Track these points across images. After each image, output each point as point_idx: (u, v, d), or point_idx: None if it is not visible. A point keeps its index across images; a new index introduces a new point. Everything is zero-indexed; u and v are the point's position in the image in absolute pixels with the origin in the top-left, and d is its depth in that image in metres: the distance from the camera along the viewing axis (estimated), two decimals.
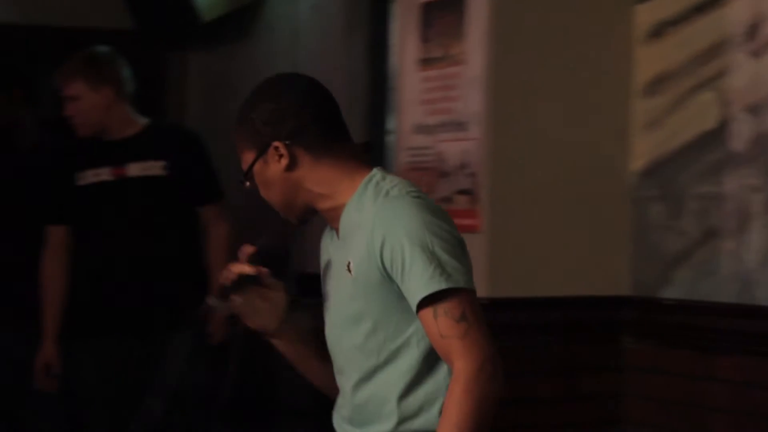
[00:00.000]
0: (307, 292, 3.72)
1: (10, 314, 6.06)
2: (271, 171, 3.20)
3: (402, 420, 3.12)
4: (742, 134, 4.58)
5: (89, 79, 5.66)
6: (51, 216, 5.80)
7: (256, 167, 3.20)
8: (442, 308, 2.97)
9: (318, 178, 3.19)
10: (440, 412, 3.06)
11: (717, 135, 4.68)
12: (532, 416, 4.85)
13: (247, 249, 3.22)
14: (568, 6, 4.90)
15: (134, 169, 5.69)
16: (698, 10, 4.74)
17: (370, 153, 4.28)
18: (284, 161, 3.17)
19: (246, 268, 3.19)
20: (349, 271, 3.15)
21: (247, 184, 3.24)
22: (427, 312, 2.99)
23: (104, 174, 5.71)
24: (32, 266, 5.77)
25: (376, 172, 3.18)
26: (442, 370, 3.14)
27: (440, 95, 4.77)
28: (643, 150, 4.97)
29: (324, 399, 6.18)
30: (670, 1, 4.86)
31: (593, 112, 4.97)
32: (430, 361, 3.14)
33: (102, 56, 5.80)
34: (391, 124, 6.07)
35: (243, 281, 3.18)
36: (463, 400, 2.93)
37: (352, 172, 3.19)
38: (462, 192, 4.83)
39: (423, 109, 5.09)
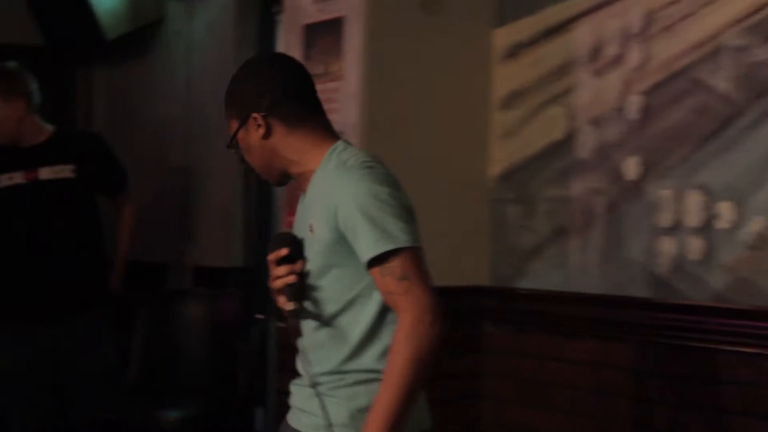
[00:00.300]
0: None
1: None
2: (251, 138, 3.31)
3: (350, 357, 3.20)
4: (586, 144, 4.62)
5: (1, 93, 5.62)
6: None
7: (240, 135, 3.32)
8: (387, 268, 3.06)
9: (290, 146, 3.29)
10: (383, 354, 3.14)
11: (565, 144, 4.71)
12: None
13: (277, 254, 3.28)
14: (433, 29, 4.87)
15: (45, 173, 5.66)
16: (548, 34, 4.78)
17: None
18: (261, 130, 3.27)
19: (291, 269, 3.25)
20: (311, 230, 3.23)
21: (232, 150, 3.38)
22: (375, 271, 3.08)
23: (18, 177, 5.67)
24: None
25: (339, 144, 3.28)
26: (393, 318, 3.16)
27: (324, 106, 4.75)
28: (500, 157, 4.98)
29: (220, 376, 6.15)
30: (524, 26, 4.88)
31: (456, 124, 4.97)
32: (383, 310, 3.20)
33: (12, 71, 5.72)
34: None
35: (293, 282, 3.25)
36: (403, 346, 3.00)
37: (320, 142, 3.28)
38: None
39: None
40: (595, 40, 4.57)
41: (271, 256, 3.28)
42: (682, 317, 4.20)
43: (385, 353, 3.13)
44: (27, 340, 5.65)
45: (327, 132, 3.34)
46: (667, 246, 4.27)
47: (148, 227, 6.86)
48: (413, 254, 3.11)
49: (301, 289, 3.25)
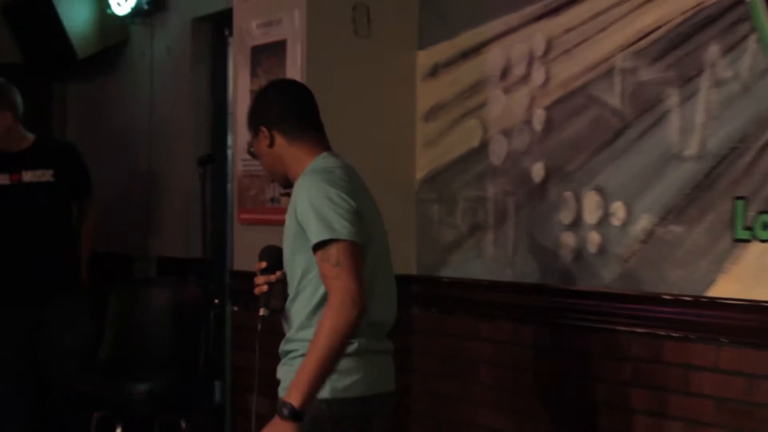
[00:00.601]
0: None
1: None
2: (260, 147, 3.55)
3: (299, 329, 3.38)
4: (498, 152, 4.62)
5: None
6: None
7: (254, 144, 3.59)
8: (326, 254, 3.25)
9: (289, 155, 3.50)
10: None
11: (480, 152, 4.70)
12: None
13: (258, 266, 3.51)
14: (364, 51, 4.89)
15: (27, 176, 5.67)
16: (464, 56, 4.77)
17: (212, 164, 4.27)
18: (267, 141, 3.51)
19: (269, 278, 3.47)
20: (289, 222, 3.43)
21: (249, 155, 3.76)
22: (318, 256, 3.28)
23: (3, 179, 5.68)
24: None
25: (324, 154, 3.50)
26: None
27: None
28: (424, 163, 4.99)
29: (183, 354, 6.09)
30: (443, 48, 4.87)
31: (386, 134, 4.98)
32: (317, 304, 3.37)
33: (1, 86, 5.70)
34: (229, 140, 6.09)
35: (271, 286, 3.47)
36: (327, 322, 3.19)
37: (312, 152, 3.49)
38: (285, 194, 4.82)
39: None
40: (505, 61, 4.56)
41: (262, 264, 3.50)
42: (582, 302, 4.21)
43: None
44: (15, 321, 5.66)
45: (319, 144, 3.53)
46: (569, 240, 4.29)
47: (117, 223, 6.87)
48: (350, 246, 3.24)
49: (279, 294, 3.46)
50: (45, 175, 5.68)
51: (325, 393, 3.29)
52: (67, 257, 5.76)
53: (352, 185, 3.39)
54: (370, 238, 3.37)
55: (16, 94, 5.77)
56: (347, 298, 3.20)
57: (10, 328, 5.68)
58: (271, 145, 3.51)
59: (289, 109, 3.55)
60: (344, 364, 3.29)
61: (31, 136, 5.79)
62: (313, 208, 3.28)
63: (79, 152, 5.94)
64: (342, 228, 3.25)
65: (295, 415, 3.16)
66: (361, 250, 3.30)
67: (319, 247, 3.25)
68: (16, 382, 5.76)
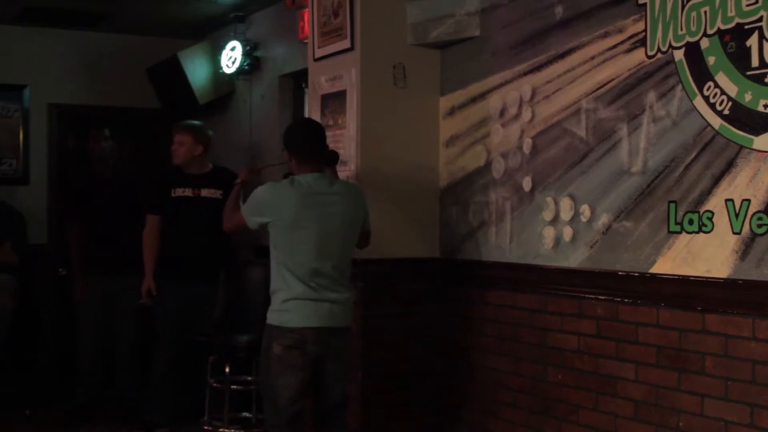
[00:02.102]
0: None
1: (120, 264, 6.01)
2: (290, 163, 4.11)
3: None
4: (498, 169, 4.61)
5: (196, 137, 5.78)
6: (153, 209, 5.76)
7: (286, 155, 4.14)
8: (369, 231, 4.31)
9: (298, 171, 4.05)
10: (273, 306, 4.02)
11: (485, 169, 4.69)
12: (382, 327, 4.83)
13: (242, 176, 4.51)
14: (402, 98, 4.85)
15: (204, 192, 5.74)
16: (473, 101, 4.76)
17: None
18: (291, 161, 4.08)
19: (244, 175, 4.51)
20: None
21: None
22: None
23: (188, 192, 5.74)
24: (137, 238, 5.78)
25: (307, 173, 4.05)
26: (280, 279, 3.97)
27: (333, 146, 4.74)
28: (445, 177, 4.97)
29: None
30: (458, 95, 4.86)
31: (418, 156, 4.93)
32: (277, 270, 4.04)
33: (202, 126, 5.91)
34: None
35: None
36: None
37: (305, 172, 4.04)
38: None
39: None
40: (502, 104, 4.55)
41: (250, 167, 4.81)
42: (559, 276, 4.20)
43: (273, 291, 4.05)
44: (180, 291, 5.67)
45: (312, 167, 4.04)
46: (550, 232, 4.28)
47: None
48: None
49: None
50: (216, 194, 5.71)
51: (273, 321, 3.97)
52: (219, 247, 5.77)
53: (278, 191, 4.06)
54: None
55: (208, 133, 5.88)
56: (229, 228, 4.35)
57: (177, 296, 5.69)
58: (292, 164, 4.08)
59: (301, 141, 4.07)
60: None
61: (210, 165, 5.87)
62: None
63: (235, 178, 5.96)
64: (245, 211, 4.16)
65: None
66: (245, 220, 4.15)
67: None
68: (175, 336, 5.75)
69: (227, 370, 5.57)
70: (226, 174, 5.96)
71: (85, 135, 6.18)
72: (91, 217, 6.05)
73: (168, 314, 5.68)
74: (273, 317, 3.99)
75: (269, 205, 4.00)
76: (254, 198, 4.06)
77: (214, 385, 5.58)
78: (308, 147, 4.05)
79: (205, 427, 5.57)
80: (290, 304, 3.95)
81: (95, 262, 6.02)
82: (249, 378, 5.62)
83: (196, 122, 5.93)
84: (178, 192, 5.74)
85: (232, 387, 5.58)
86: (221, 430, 5.53)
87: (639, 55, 3.76)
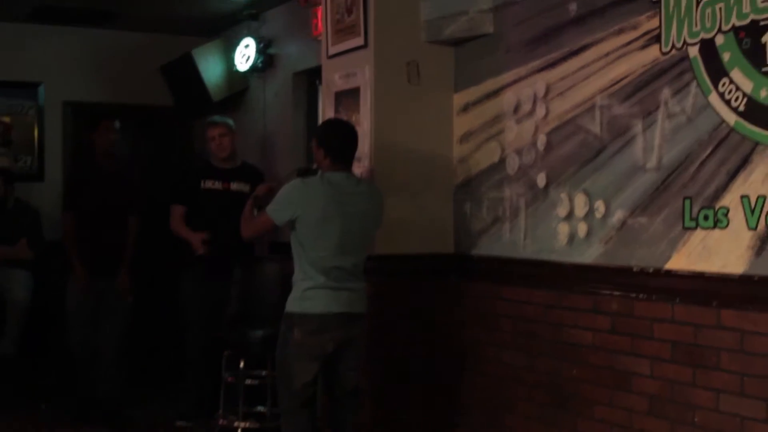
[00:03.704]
0: None
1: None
2: (315, 148, 4.23)
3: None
4: (512, 165, 4.61)
5: (233, 132, 5.93)
6: (178, 199, 5.87)
7: (314, 143, 4.24)
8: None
9: (327, 169, 4.18)
10: (295, 294, 4.16)
11: (499, 165, 4.69)
12: (396, 322, 4.83)
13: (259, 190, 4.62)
14: (415, 95, 4.83)
15: (234, 186, 5.86)
16: (487, 97, 4.76)
17: (308, 175, 4.38)
18: (319, 154, 4.19)
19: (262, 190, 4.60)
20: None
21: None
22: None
23: (218, 185, 5.85)
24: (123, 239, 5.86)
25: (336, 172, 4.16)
26: (300, 270, 4.15)
27: None
28: (460, 173, 4.97)
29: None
30: (472, 92, 4.86)
31: (432, 152, 4.93)
32: (299, 263, 4.16)
33: (231, 124, 6.02)
34: None
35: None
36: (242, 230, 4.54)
37: (331, 167, 4.16)
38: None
39: None
40: (516, 101, 4.55)
41: (261, 190, 4.73)
42: (575, 272, 4.19)
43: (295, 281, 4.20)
44: (206, 287, 5.77)
45: (338, 164, 4.15)
46: (564, 228, 4.27)
47: None
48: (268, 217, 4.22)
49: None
50: (244, 188, 5.80)
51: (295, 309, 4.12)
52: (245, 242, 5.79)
53: (303, 188, 4.19)
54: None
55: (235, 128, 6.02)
56: (246, 234, 4.47)
57: (203, 291, 5.77)
58: (320, 159, 4.17)
59: (332, 140, 4.17)
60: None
61: (240, 160, 5.99)
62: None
63: (264, 176, 6.03)
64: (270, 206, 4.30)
65: None
66: (272, 221, 4.28)
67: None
68: (200, 329, 5.83)
69: (242, 365, 5.58)
70: (255, 170, 6.05)
71: (94, 125, 6.11)
72: (82, 210, 5.95)
73: (195, 303, 5.79)
74: (295, 305, 4.16)
75: (299, 200, 4.13)
76: (284, 194, 4.19)
77: (229, 380, 5.60)
78: (345, 147, 4.20)
79: (220, 422, 5.59)
80: (311, 292, 4.14)
81: (84, 262, 5.92)
82: (263, 373, 5.64)
83: (220, 118, 6.03)
84: (208, 184, 5.81)
85: (246, 382, 5.59)
86: (236, 424, 5.55)
87: (653, 51, 3.76)
